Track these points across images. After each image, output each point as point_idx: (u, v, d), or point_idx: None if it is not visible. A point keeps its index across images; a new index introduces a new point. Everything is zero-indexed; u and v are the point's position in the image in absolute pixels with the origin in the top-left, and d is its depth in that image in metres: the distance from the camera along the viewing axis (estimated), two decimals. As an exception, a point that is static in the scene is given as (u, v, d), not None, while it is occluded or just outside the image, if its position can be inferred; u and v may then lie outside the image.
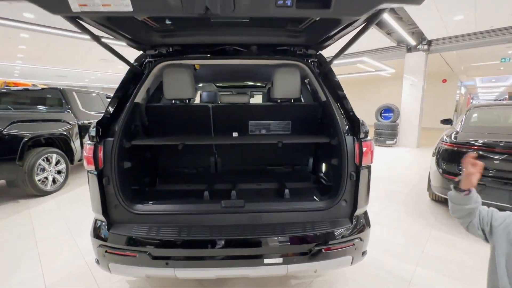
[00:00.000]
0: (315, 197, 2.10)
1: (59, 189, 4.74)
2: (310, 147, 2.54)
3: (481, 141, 3.24)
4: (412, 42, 9.37)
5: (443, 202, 4.14)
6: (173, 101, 2.21)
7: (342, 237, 1.71)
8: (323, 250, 1.64)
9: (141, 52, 2.11)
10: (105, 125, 1.76)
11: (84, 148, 1.74)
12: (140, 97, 2.01)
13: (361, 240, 1.76)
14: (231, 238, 1.61)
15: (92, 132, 1.69)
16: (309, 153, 2.61)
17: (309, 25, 1.80)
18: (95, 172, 1.67)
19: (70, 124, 4.93)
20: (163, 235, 1.62)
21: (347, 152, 1.77)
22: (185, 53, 2.04)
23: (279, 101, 2.22)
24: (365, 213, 1.88)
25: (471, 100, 30.36)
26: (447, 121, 5.59)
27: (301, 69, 2.10)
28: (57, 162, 4.71)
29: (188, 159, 2.55)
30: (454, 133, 3.74)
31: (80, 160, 5.19)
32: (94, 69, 15.83)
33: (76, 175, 5.70)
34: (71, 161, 5.04)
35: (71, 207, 4.03)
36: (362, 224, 1.81)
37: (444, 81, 17.34)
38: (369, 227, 1.85)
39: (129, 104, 1.86)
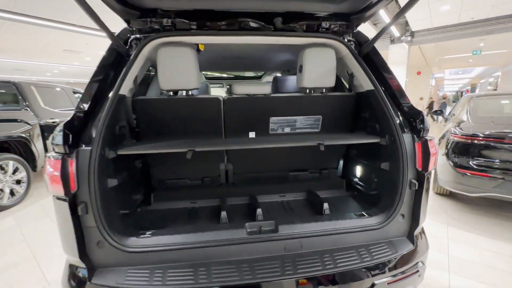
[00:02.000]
0: (357, 211, 1.71)
1: (19, 202, 3.96)
2: (340, 146, 2.13)
3: (497, 132, 3.06)
4: (397, 33, 9.35)
5: (448, 195, 4.01)
6: (171, 93, 1.68)
7: (406, 263, 1.35)
8: (386, 284, 1.26)
9: (125, 26, 1.55)
10: (77, 129, 1.22)
11: (46, 163, 1.18)
12: (126, 87, 1.48)
13: (423, 264, 1.41)
14: (270, 279, 1.17)
15: (58, 139, 1.15)
16: (339, 154, 2.19)
17: None
18: (65, 198, 1.13)
19: (29, 124, 4.12)
20: (173, 283, 1.14)
21: (406, 154, 1.39)
22: (187, 27, 1.52)
23: (307, 91, 1.78)
24: (423, 230, 1.53)
25: (438, 92, 32.04)
26: (438, 112, 5.54)
27: (337, 49, 1.68)
28: (15, 170, 3.92)
29: (191, 167, 2.01)
30: (462, 124, 3.57)
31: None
32: (58, 61, 14.19)
33: (40, 183, 4.86)
34: (33, 167, 4.25)
35: (35, 225, 3.31)
36: (423, 244, 1.45)
37: (419, 73, 17.94)
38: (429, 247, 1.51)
39: (112, 96, 1.32)
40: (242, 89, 1.71)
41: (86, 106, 1.29)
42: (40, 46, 10.46)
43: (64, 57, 12.99)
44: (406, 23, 9.03)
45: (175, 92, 1.71)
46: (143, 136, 1.80)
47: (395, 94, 1.52)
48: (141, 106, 1.68)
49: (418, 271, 1.37)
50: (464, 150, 3.32)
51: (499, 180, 3.02)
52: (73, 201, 1.15)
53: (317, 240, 1.35)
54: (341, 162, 2.21)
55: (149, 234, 1.33)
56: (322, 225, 1.41)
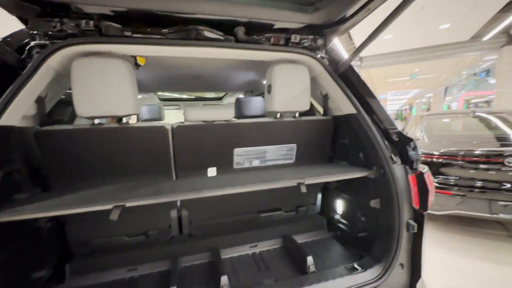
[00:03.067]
0: (346, 261, 1.39)
1: None
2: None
3: (457, 150, 3.16)
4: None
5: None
6: (96, 121, 1.21)
7: None
8: None
9: (22, 26, 1.09)
10: None
11: None
12: (19, 113, 1.00)
13: None
14: None
15: None
16: (317, 187, 1.88)
17: None
18: None
19: None
20: None
21: (399, 189, 1.15)
22: (118, 32, 1.13)
23: (278, 115, 1.48)
24: (422, 281, 1.28)
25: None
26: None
27: (309, 67, 1.44)
28: None
29: (129, 218, 1.47)
30: (419, 143, 3.68)
31: None
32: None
33: None
34: None
35: None
36: None
37: (367, 94, 19.72)
38: None
39: None
40: (197, 114, 1.33)
41: None
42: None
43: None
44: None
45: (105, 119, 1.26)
46: (53, 182, 1.26)
47: (380, 119, 1.31)
48: (48, 140, 1.17)
49: None
50: (425, 169, 3.37)
51: (460, 198, 3.08)
52: None
53: None
54: (319, 196, 1.91)
55: None
56: None
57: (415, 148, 1.21)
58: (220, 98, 4.00)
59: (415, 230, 1.16)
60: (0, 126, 0.91)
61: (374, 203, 1.31)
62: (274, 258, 1.53)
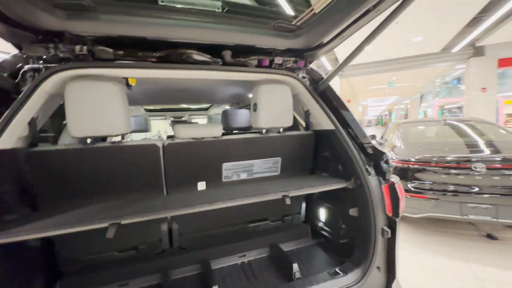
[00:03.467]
0: (329, 266, 1.49)
1: None
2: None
3: (431, 157, 3.39)
4: (329, 67, 10.51)
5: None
6: (88, 141, 1.24)
7: None
8: None
9: (17, 51, 1.12)
10: None
11: None
12: (14, 136, 1.03)
13: None
14: None
15: None
16: (301, 196, 1.97)
17: (308, 19, 1.26)
18: None
19: None
20: None
21: (374, 198, 1.27)
22: (110, 56, 1.18)
23: (264, 131, 1.57)
24: (397, 281, 1.40)
25: (364, 117, 37.09)
26: (371, 137, 6.16)
27: (292, 86, 1.55)
28: None
29: (119, 234, 1.46)
30: (396, 150, 3.91)
31: None
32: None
33: None
34: None
35: None
36: None
37: (349, 101, 20.43)
38: None
39: None
40: (187, 132, 1.40)
41: None
42: None
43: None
44: (336, 59, 10.23)
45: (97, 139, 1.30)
46: (43, 202, 1.27)
47: (356, 134, 1.44)
48: (40, 160, 1.19)
49: None
50: (402, 174, 3.57)
51: (434, 201, 3.30)
52: None
53: None
54: (304, 206, 2.02)
55: None
56: None
57: (387, 161, 1.34)
58: (206, 109, 4.06)
59: (389, 236, 1.28)
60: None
61: (352, 211, 1.43)
62: (261, 266, 1.60)
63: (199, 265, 1.57)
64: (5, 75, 1.06)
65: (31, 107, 1.09)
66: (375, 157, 1.37)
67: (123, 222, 1.05)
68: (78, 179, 1.29)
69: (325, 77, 1.54)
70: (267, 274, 1.52)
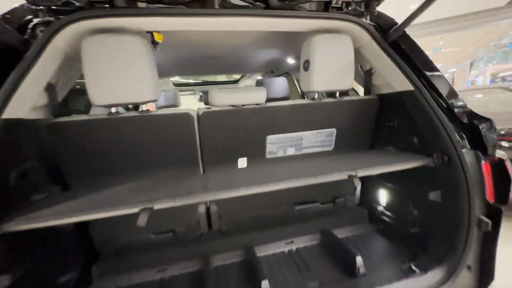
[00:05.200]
0: (397, 259, 1.23)
1: None
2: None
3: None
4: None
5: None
6: (113, 110, 1.07)
7: None
8: None
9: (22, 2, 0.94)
10: None
11: None
12: (27, 104, 0.88)
13: None
14: None
15: None
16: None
17: None
18: None
19: None
20: None
21: (469, 180, 0.97)
22: (133, 3, 0.96)
23: (316, 96, 1.28)
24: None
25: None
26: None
27: (354, 37, 1.22)
28: None
29: (155, 217, 1.32)
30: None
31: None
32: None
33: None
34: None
35: None
36: None
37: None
38: None
39: None
40: (225, 98, 1.16)
41: None
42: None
43: None
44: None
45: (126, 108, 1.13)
46: (72, 179, 1.15)
47: (442, 94, 1.09)
48: (62, 132, 1.04)
49: None
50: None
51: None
52: None
53: None
54: (359, 187, 1.74)
55: None
56: None
57: (493, 131, 1.00)
58: (236, 81, 3.80)
59: (489, 228, 0.98)
60: (6, 119, 0.79)
61: (433, 196, 1.13)
62: (313, 256, 1.39)
63: (242, 251, 1.41)
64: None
65: (45, 69, 0.92)
66: (473, 126, 1.03)
67: (156, 207, 0.88)
68: (105, 153, 1.14)
69: (399, 23, 1.17)
70: (321, 266, 1.30)
